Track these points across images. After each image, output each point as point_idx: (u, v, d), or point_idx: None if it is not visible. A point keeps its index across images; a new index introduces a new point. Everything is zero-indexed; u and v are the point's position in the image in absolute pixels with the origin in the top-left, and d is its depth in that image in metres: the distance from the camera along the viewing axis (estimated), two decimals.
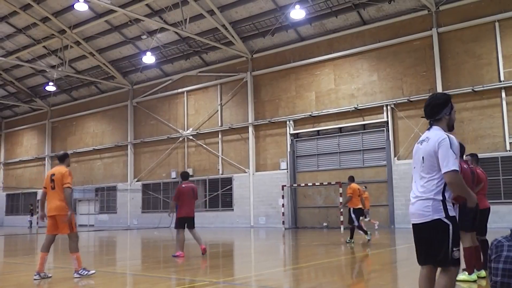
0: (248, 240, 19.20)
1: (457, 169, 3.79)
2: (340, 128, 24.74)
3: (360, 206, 14.19)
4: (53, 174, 8.37)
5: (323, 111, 25.06)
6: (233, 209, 28.31)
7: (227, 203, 28.82)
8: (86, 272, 8.24)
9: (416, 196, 4.01)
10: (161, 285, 7.78)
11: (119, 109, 35.15)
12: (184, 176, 12.00)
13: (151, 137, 32.80)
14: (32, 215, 38.43)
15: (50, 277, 8.26)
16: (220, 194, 29.21)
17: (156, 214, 31.21)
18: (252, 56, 28.08)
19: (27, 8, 28.87)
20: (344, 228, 20.99)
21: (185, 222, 11.70)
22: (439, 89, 21.02)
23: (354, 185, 14.24)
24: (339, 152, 24.76)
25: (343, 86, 24.72)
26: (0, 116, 45.57)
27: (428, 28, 22.20)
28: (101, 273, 8.68)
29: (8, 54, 33.63)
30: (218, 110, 29.63)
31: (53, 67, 34.40)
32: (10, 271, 10.61)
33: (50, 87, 35.94)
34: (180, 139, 31.23)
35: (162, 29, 27.93)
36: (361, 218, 15.46)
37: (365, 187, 20.90)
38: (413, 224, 4.05)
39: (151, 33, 28.96)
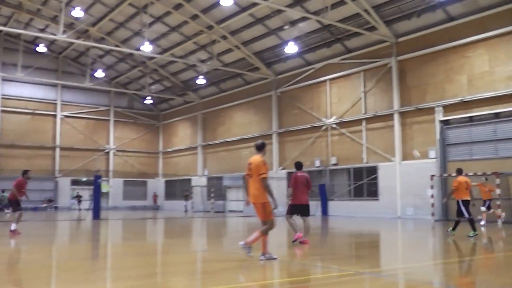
0: (395, 231, 18.64)
1: None
2: (497, 113, 22.72)
3: (468, 198, 13.73)
4: (250, 163, 8.69)
5: (476, 95, 23.26)
6: (378, 199, 27.65)
7: (372, 192, 28.23)
8: (266, 257, 8.53)
9: None
10: (307, 272, 7.89)
11: (264, 99, 36.19)
12: (298, 166, 12.28)
13: (295, 126, 33.29)
14: (187, 200, 41.41)
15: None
16: (365, 184, 28.71)
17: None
18: (396, 40, 26.99)
19: (178, 8, 31.00)
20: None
21: (298, 209, 11.78)
22: None
23: (461, 177, 13.97)
24: (496, 139, 22.79)
25: (500, 68, 22.66)
26: (158, 108, 49.67)
27: None
28: (250, 257, 9.02)
29: (164, 51, 36.45)
30: (361, 98, 29.07)
31: (202, 61, 36.55)
32: (169, 251, 11.56)
33: (201, 80, 38.22)
34: (323, 127, 31.25)
35: (303, 18, 28.09)
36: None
37: (486, 179, 19.86)
38: None
39: (293, 23, 29.28)
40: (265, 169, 8.50)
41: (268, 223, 8.59)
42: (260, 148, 8.88)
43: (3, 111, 41.34)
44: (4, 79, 41.04)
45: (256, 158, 8.67)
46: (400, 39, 26.84)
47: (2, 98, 41.35)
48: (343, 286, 6.69)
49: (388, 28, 26.65)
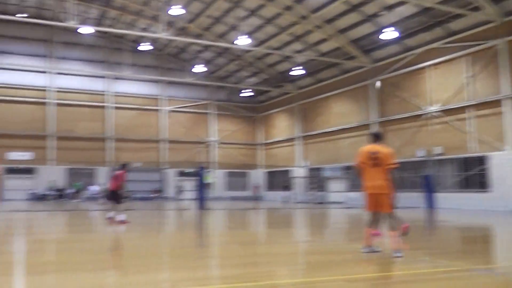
0: (509, 225, 17.45)
1: None
2: None
3: None
4: (376, 152, 8.33)
5: None
6: (489, 191, 25.90)
7: (481, 184, 26.55)
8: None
9: None
10: (413, 266, 7.64)
11: (362, 88, 35.38)
12: None
13: (396, 115, 32.22)
14: (287, 191, 41.64)
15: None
16: (473, 175, 27.13)
17: (403, 193, 30.57)
18: (504, 19, 25.12)
19: (272, 0, 31.14)
20: None
21: None
22: None
23: None
24: None
25: None
26: (256, 101, 50.33)
27: None
28: (353, 249, 8.89)
29: (259, 44, 36.86)
30: (465, 83, 27.47)
31: (298, 52, 36.47)
32: (272, 241, 11.72)
33: (298, 71, 38.17)
34: (426, 115, 29.95)
35: (401, 2, 27.04)
36: None
37: None
38: None
39: (390, 7, 28.28)
40: (394, 160, 8.29)
41: (392, 216, 8.31)
42: (380, 137, 8.59)
43: (116, 107, 44.15)
44: (115, 78, 43.81)
45: (383, 148, 8.39)
46: (509, 18, 24.94)
47: (115, 95, 44.19)
48: (453, 283, 6.38)
49: (495, 6, 24.87)
